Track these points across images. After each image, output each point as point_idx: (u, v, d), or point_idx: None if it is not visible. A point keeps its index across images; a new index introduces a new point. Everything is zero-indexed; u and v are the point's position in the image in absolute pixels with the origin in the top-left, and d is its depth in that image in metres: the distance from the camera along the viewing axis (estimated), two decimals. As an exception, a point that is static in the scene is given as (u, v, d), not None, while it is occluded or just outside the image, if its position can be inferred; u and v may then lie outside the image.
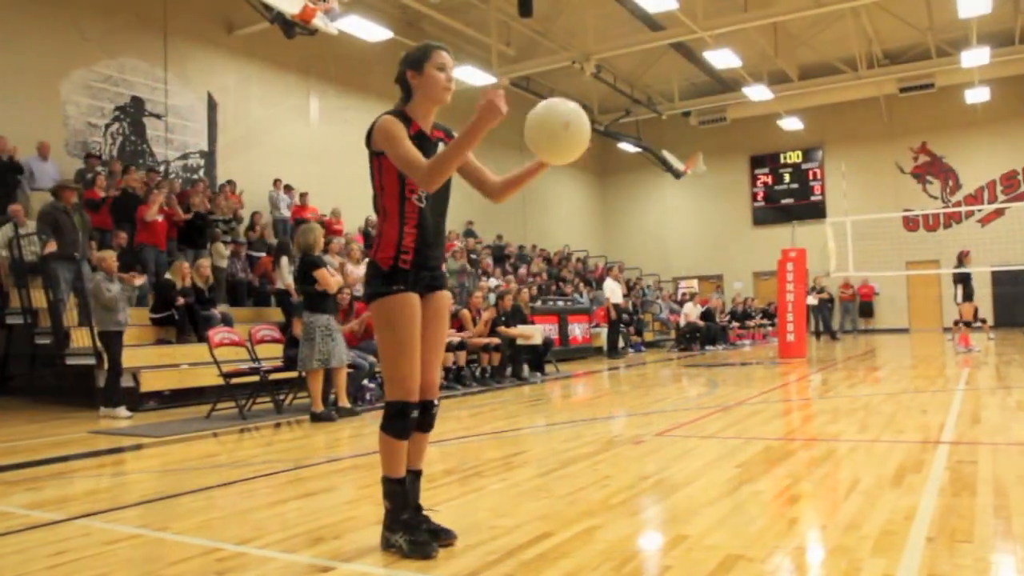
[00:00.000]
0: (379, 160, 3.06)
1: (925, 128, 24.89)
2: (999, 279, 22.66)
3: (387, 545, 3.13)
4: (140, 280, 9.03)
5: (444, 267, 3.39)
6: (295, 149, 16.95)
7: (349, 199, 16.70)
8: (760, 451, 5.13)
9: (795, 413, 7.37)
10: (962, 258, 14.17)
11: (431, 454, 5.67)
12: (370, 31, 15.34)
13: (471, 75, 18.37)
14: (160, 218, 11.88)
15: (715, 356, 16.46)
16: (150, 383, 9.34)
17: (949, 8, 17.34)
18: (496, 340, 11.37)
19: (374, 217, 16.50)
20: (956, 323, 14.07)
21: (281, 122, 16.87)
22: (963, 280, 13.93)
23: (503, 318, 11.75)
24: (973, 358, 12.70)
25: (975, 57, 18.48)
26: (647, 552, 3.16)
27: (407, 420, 3.08)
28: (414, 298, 3.09)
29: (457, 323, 11.40)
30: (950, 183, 24.94)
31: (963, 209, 24.10)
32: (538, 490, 4.22)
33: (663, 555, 3.05)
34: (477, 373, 11.38)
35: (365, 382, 8.90)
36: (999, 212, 23.54)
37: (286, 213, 15.30)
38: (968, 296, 13.85)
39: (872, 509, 3.56)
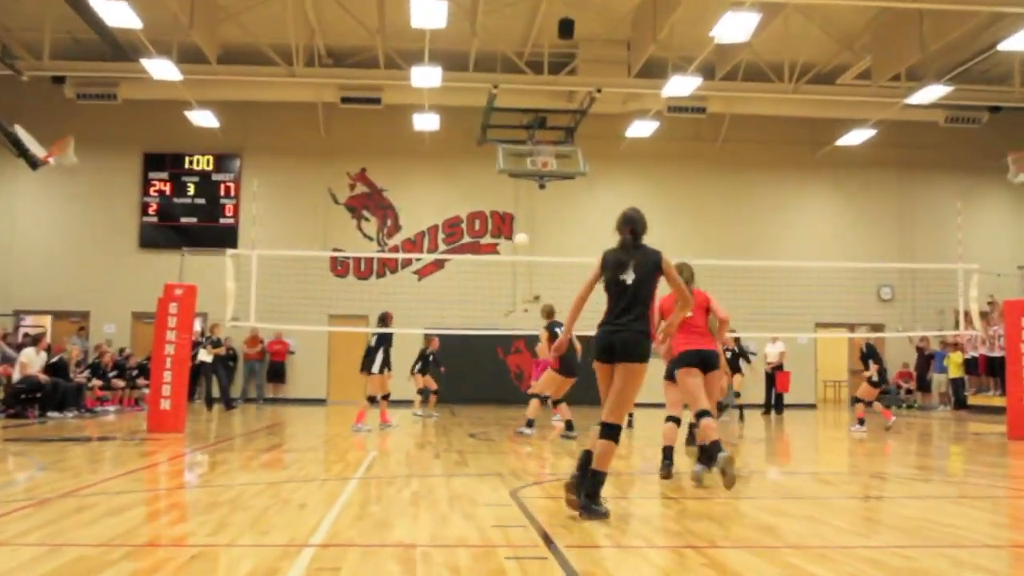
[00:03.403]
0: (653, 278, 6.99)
1: (367, 152, 27.37)
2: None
3: (595, 515, 6.47)
4: None
5: None
6: None
7: None
8: (69, 562, 5.03)
9: (139, 508, 7.40)
10: (386, 320, 15.67)
11: None
12: None
13: None
14: None
15: (61, 426, 16.03)
16: None
17: (403, 12, 19.23)
18: None
19: None
20: (370, 399, 15.45)
21: None
22: (380, 345, 15.40)
23: None
24: (365, 436, 14.20)
25: (426, 76, 20.96)
26: None
27: None
28: None
29: None
30: (388, 223, 27.63)
31: (400, 256, 26.91)
32: None
33: None
34: None
35: None
36: (439, 264, 26.82)
37: None
38: (386, 364, 15.34)
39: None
